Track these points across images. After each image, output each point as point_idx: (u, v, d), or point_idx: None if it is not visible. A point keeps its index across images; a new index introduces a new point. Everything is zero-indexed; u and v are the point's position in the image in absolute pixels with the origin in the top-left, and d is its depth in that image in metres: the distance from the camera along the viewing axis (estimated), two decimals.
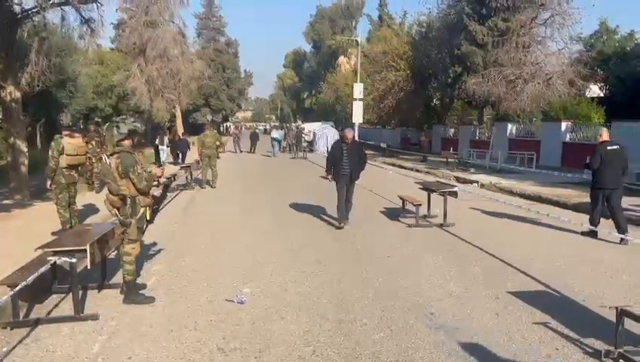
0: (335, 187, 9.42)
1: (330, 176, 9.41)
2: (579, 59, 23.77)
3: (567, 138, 20.77)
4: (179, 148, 24.24)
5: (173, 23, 32.74)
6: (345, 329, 4.58)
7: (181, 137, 26.31)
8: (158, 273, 6.27)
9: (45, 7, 10.98)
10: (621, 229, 8.00)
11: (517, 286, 5.79)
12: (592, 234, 8.45)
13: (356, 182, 9.56)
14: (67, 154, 7.89)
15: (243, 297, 5.29)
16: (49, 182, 7.90)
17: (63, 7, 11.90)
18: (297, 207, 11.45)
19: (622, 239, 7.85)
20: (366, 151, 10.35)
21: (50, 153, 7.83)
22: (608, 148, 8.36)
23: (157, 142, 23.11)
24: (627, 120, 17.57)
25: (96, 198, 10.04)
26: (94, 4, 12.10)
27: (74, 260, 4.72)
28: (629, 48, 27.49)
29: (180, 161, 23.16)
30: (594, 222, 8.44)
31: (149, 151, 6.89)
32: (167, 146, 24.13)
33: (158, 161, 22.90)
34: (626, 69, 24.64)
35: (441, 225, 9.25)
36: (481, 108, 27.60)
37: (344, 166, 9.10)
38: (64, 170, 7.89)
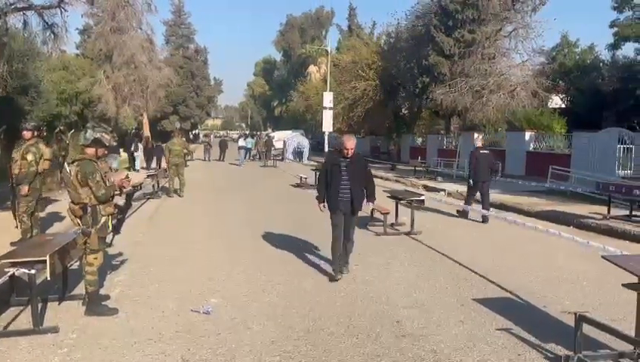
0: (329, 219, 6.64)
1: (322, 205, 6.66)
2: (541, 71, 24.53)
3: (531, 147, 21.32)
4: (155, 154, 24.94)
5: (141, 29, 32.49)
6: (311, 338, 4.58)
7: (154, 145, 26.73)
8: (122, 284, 6.14)
9: (7, 11, 10.73)
10: (486, 208, 10.98)
11: (482, 294, 5.89)
12: (464, 214, 11.29)
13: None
14: (45, 159, 7.84)
15: (209, 307, 5.23)
16: (27, 188, 7.65)
17: (25, 11, 11.64)
18: (266, 216, 11.40)
19: (484, 216, 10.77)
20: None
21: (31, 158, 7.66)
22: (481, 152, 11.32)
23: (132, 149, 24.69)
24: (587, 130, 18.18)
25: (61, 206, 9.80)
26: (58, 9, 11.88)
27: (33, 271, 4.58)
28: (588, 61, 28.49)
29: (155, 166, 23.89)
30: (469, 202, 11.45)
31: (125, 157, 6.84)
32: (141, 152, 25.38)
33: (132, 166, 23.94)
34: (585, 81, 25.52)
35: (408, 233, 9.35)
36: (448, 118, 28.10)
37: (343, 190, 6.45)
38: (39, 174, 7.80)
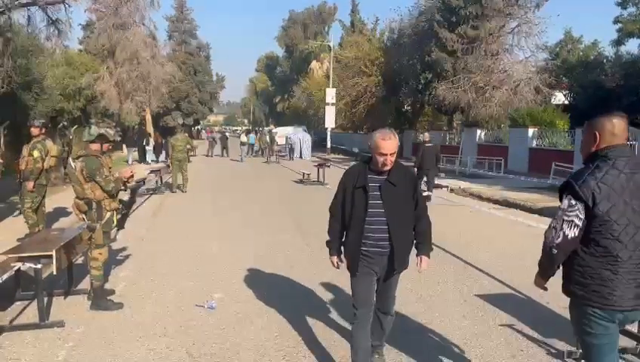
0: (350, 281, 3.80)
1: (336, 260, 3.81)
2: (545, 67, 24.44)
3: (534, 144, 21.30)
4: (164, 148, 26.40)
5: (144, 25, 32.44)
6: (316, 333, 4.60)
7: (163, 140, 28.62)
8: (127, 279, 6.18)
9: (11, 7, 10.74)
10: (430, 190, 13.29)
11: (484, 290, 5.91)
12: (427, 198, 11.97)
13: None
14: (52, 156, 7.89)
15: (213, 302, 5.26)
16: (32, 184, 7.68)
17: (29, 7, 11.65)
18: (269, 212, 11.43)
19: (429, 196, 12.51)
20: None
21: (37, 154, 7.68)
22: (426, 145, 13.39)
23: (144, 143, 26.95)
24: None
25: (67, 201, 9.84)
26: (62, 4, 11.88)
27: (39, 266, 4.61)
28: (592, 57, 28.36)
29: (165, 159, 25.16)
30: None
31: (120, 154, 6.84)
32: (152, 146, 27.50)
33: (143, 160, 25.60)
34: (588, 77, 25.40)
35: None
36: (450, 114, 28.07)
37: (375, 233, 3.52)
38: (45, 171, 7.84)
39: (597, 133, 2.57)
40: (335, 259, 3.81)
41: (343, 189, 3.69)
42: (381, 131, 3.54)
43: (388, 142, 3.44)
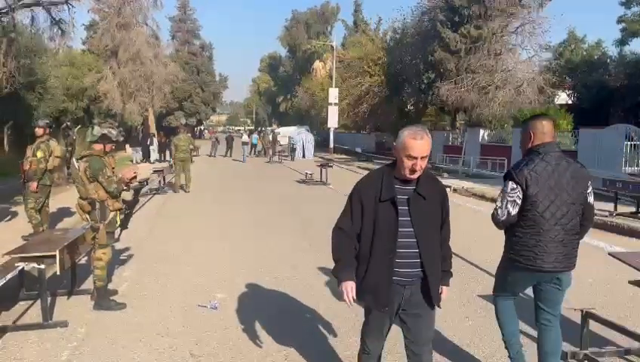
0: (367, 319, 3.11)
1: (349, 289, 2.79)
2: (548, 67, 24.41)
3: None
4: (168, 148, 27.08)
5: (147, 25, 32.56)
6: (318, 333, 4.61)
7: (167, 140, 29.17)
8: (130, 279, 6.19)
9: (15, 7, 10.77)
10: None
11: (487, 290, 5.88)
12: None
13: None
14: (56, 156, 7.91)
15: (216, 303, 5.27)
16: (35, 184, 7.70)
17: (32, 7, 11.69)
18: (271, 212, 11.43)
19: None
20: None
21: (41, 155, 7.70)
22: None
23: (148, 143, 27.51)
24: (593, 127, 18.11)
25: (71, 201, 9.88)
26: (65, 5, 11.92)
27: (43, 266, 4.63)
28: (595, 57, 28.29)
29: (169, 158, 25.89)
30: None
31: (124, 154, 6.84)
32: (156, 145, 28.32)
33: (147, 159, 26.05)
34: (592, 77, 25.35)
35: None
36: (454, 114, 28.02)
37: (403, 257, 2.79)
38: (49, 171, 7.86)
39: (531, 132, 3.25)
40: (350, 286, 2.81)
41: (359, 201, 2.86)
42: (411, 129, 2.78)
43: (419, 143, 2.70)
